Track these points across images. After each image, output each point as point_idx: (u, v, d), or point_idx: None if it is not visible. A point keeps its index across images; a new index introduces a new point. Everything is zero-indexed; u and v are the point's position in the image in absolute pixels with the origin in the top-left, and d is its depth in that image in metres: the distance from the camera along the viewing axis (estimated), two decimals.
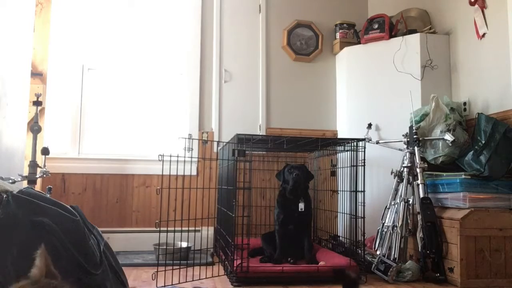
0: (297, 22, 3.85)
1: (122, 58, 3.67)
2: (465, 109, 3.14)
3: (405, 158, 2.90)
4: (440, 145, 2.83)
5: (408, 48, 3.34)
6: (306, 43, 3.85)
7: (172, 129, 3.66)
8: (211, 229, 3.40)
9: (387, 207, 2.89)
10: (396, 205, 2.81)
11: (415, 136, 2.85)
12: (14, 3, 2.52)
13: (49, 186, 2.66)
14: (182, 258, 2.70)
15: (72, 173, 3.39)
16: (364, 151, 2.64)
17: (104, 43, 3.66)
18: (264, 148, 3.32)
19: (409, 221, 2.74)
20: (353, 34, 3.78)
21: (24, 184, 2.47)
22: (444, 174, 2.75)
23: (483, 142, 2.65)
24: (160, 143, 3.60)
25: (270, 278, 2.42)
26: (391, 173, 2.93)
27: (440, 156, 2.83)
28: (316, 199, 3.46)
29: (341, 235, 3.17)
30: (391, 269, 2.49)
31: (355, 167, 2.66)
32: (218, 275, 2.55)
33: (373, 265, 2.62)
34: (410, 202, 2.77)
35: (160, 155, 2.27)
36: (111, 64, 3.66)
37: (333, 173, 3.24)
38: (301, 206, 2.78)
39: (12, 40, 2.49)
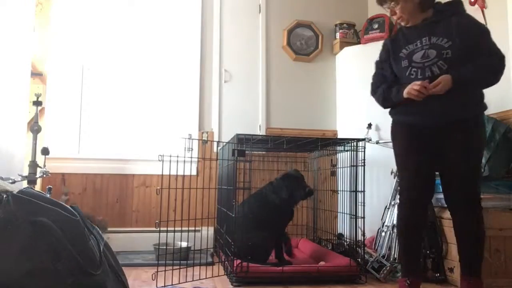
0: (297, 22, 3.85)
1: (122, 58, 3.67)
2: None
3: None
4: None
5: None
6: (306, 43, 3.85)
7: (172, 129, 3.65)
8: (211, 229, 3.40)
9: (387, 207, 2.88)
10: (396, 205, 2.81)
11: None
12: (14, 3, 2.52)
13: (49, 186, 2.66)
14: (182, 258, 2.70)
15: (72, 173, 3.39)
16: (364, 151, 2.64)
17: (104, 43, 3.66)
18: (264, 148, 3.32)
19: None
20: (353, 34, 3.78)
21: (24, 184, 2.47)
22: None
23: None
24: (160, 143, 3.59)
25: (270, 278, 2.42)
26: (391, 173, 2.92)
27: None
28: (316, 199, 3.46)
29: None
30: (383, 268, 2.51)
31: (355, 167, 2.66)
32: (218, 275, 2.55)
33: (368, 264, 2.62)
34: None
35: (160, 155, 2.27)
36: (111, 64, 3.66)
37: (333, 173, 3.24)
38: None
39: (12, 40, 2.49)
